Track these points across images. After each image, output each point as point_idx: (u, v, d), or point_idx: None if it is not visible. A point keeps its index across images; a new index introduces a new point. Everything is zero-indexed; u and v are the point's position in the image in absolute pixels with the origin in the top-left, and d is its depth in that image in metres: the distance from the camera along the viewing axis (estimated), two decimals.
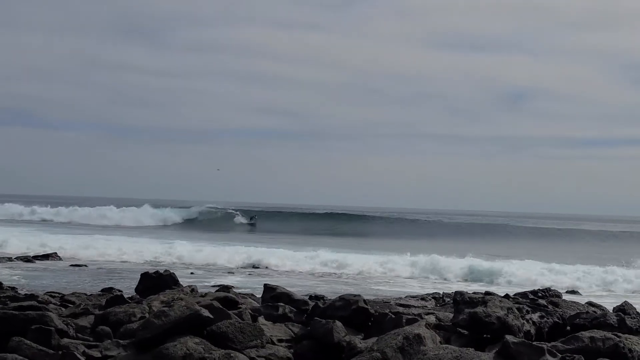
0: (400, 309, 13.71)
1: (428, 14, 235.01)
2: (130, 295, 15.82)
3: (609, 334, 10.59)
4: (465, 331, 11.91)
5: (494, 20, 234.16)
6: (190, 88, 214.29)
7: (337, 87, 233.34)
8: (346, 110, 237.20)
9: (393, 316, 12.34)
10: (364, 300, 12.87)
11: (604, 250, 48.27)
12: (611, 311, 14.80)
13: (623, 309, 14.75)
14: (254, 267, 30.01)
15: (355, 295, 13.03)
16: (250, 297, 15.24)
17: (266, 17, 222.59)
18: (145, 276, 16.65)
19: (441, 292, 18.12)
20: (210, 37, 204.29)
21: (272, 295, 14.11)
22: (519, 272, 28.90)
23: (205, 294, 14.38)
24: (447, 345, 10.55)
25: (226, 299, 12.92)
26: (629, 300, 15.88)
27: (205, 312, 11.33)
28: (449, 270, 29.65)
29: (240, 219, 71.04)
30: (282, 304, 13.35)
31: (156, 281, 16.10)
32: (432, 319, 12.97)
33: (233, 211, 73.42)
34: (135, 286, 16.83)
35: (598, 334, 10.58)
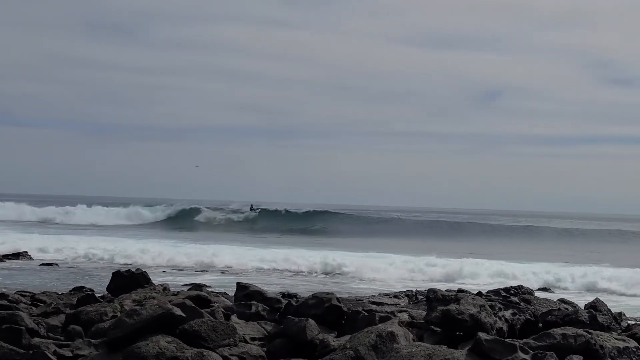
0: (374, 307, 13.70)
1: (401, 11, 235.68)
2: (101, 294, 15.71)
3: (581, 331, 10.65)
4: (438, 329, 11.92)
5: (466, 19, 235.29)
6: (164, 85, 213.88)
7: (311, 84, 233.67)
8: (320, 108, 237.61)
9: (366, 314, 12.33)
10: (337, 298, 12.86)
11: (562, 248, 48.71)
12: (583, 308, 14.90)
13: (594, 306, 14.82)
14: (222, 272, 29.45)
15: (328, 293, 13.01)
16: (223, 296, 15.18)
17: (240, 15, 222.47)
18: (116, 275, 16.52)
19: (414, 290, 18.14)
20: (185, 35, 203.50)
21: (245, 293, 14.05)
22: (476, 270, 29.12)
23: (178, 292, 14.31)
24: (420, 342, 10.56)
25: (198, 298, 12.86)
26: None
27: (178, 311, 11.26)
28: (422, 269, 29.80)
29: (208, 214, 69.81)
30: (255, 302, 13.30)
31: (128, 280, 15.98)
32: (405, 316, 12.98)
33: (207, 209, 72.06)
34: (106, 285, 16.72)
35: (570, 330, 10.63)
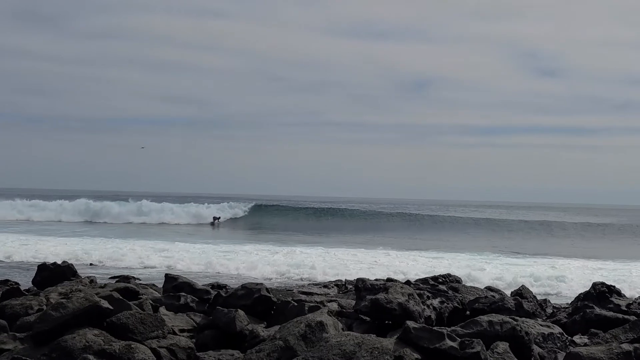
0: (303, 297, 13.74)
1: (331, 1, 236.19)
2: (27, 288, 15.45)
3: (507, 318, 10.78)
4: (367, 318, 12.00)
5: (396, 9, 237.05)
6: (90, 76, 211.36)
7: (240, 74, 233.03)
8: (249, 98, 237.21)
9: (295, 304, 12.36)
10: (267, 289, 12.86)
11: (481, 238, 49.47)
12: (509, 295, 15.14)
13: (520, 293, 15.09)
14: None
15: (257, 284, 13.00)
16: (151, 288, 15.05)
17: (167, 4, 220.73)
18: (42, 268, 16.28)
19: (344, 280, 18.22)
20: (111, 25, 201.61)
21: (174, 285, 13.96)
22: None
23: (105, 285, 14.14)
24: (349, 332, 10.58)
25: (126, 290, 12.72)
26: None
27: (105, 303, 11.11)
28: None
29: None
30: (183, 293, 13.23)
31: (54, 273, 15.76)
32: (334, 306, 13.04)
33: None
34: (32, 278, 16.45)
35: (496, 318, 10.76)
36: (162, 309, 12.27)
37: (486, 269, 26.34)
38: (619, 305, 13.93)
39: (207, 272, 24.84)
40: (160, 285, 15.12)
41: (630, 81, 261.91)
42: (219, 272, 24.96)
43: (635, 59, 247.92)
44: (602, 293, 14.27)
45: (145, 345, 10.51)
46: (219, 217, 64.31)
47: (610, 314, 13.05)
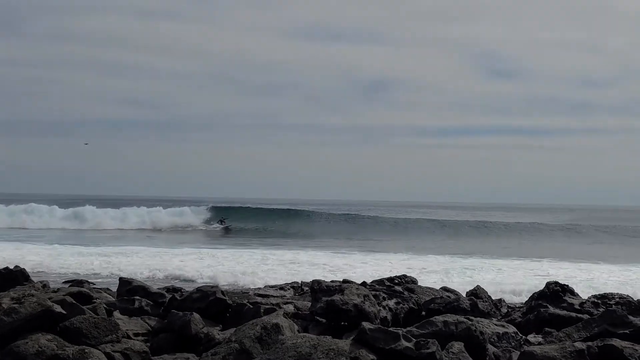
0: (259, 299, 13.69)
1: (286, 4, 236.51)
2: None
3: (462, 318, 10.84)
4: (323, 319, 11.99)
5: (351, 11, 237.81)
6: (44, 79, 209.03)
7: (196, 77, 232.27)
8: (204, 100, 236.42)
9: (251, 306, 12.31)
10: (222, 292, 12.80)
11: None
12: (464, 295, 15.21)
13: (476, 293, 15.18)
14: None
15: (212, 287, 12.94)
16: (105, 292, 14.90)
17: (123, 6, 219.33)
18: None
19: (300, 282, 18.19)
20: (66, 27, 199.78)
21: (128, 289, 13.84)
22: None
23: (58, 289, 13.96)
24: (304, 334, 10.56)
25: (80, 294, 12.59)
26: None
27: (58, 308, 10.99)
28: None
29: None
30: (138, 297, 13.12)
31: (5, 277, 15.52)
32: (290, 308, 13.02)
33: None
34: None
35: (451, 318, 10.82)
36: (117, 313, 12.15)
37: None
38: (572, 305, 14.06)
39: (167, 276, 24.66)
40: (115, 290, 14.97)
41: (585, 82, 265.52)
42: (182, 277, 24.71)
43: (590, 61, 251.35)
44: (555, 292, 14.38)
45: (99, 350, 10.41)
46: (225, 219, 62.99)
47: (563, 313, 13.17)
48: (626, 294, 15.28)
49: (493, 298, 15.54)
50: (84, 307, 11.48)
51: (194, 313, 11.55)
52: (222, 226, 61.07)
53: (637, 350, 10.27)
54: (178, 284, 19.94)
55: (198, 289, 12.93)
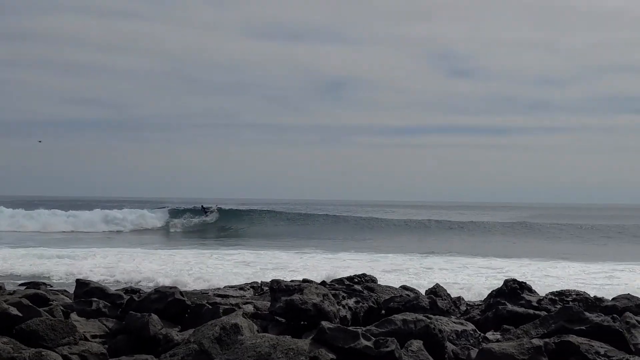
0: (218, 300, 13.63)
1: (246, 2, 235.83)
2: None
3: (421, 316, 10.89)
4: (282, 319, 11.98)
5: (311, 10, 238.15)
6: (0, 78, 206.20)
7: (154, 76, 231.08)
8: (163, 100, 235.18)
9: (210, 307, 12.25)
10: (181, 292, 12.73)
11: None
12: (424, 294, 15.27)
13: (435, 292, 15.24)
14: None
15: (171, 287, 12.87)
16: (62, 294, 14.75)
17: (78, 5, 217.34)
18: None
19: (259, 282, 18.14)
20: (20, 26, 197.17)
21: (85, 290, 13.71)
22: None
23: (14, 291, 13.79)
24: (264, 334, 10.55)
25: (36, 296, 12.44)
26: None
27: (14, 310, 10.87)
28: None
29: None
30: (95, 299, 12.99)
31: None
32: (249, 308, 12.98)
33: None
34: None
35: (410, 316, 10.85)
36: (74, 315, 12.04)
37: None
38: (530, 301, 14.17)
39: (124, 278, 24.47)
40: (72, 291, 14.82)
41: (542, 81, 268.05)
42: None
43: (547, 60, 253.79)
44: (513, 290, 14.48)
45: (57, 352, 10.31)
46: (210, 207, 61.64)
47: (521, 310, 13.27)
48: (583, 290, 15.45)
49: (452, 296, 15.63)
50: (41, 310, 11.36)
51: (152, 314, 11.46)
52: (207, 214, 60.27)
53: (593, 346, 10.39)
54: (136, 286, 19.80)
55: (156, 290, 12.85)
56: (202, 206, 62.96)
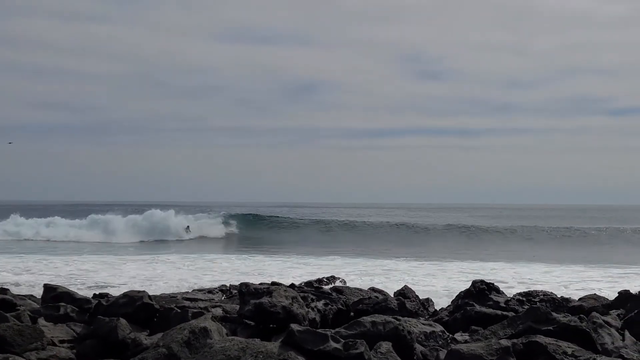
0: (187, 303, 13.62)
1: (215, 6, 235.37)
2: None
3: (390, 318, 10.91)
4: (251, 322, 11.96)
5: (280, 13, 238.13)
6: None
7: (123, 80, 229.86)
8: (132, 103, 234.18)
9: (179, 311, 12.22)
10: (149, 296, 12.68)
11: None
12: (392, 296, 15.34)
13: (403, 293, 15.32)
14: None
15: (139, 292, 12.81)
16: (29, 299, 14.65)
17: (47, 8, 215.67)
18: None
19: (228, 285, 18.12)
20: None
21: (53, 295, 13.62)
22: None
23: None
24: (233, 337, 10.52)
25: (3, 301, 12.36)
26: None
27: None
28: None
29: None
30: (63, 303, 12.91)
31: None
32: (218, 311, 12.97)
33: None
34: None
35: (379, 318, 10.87)
36: (41, 320, 11.95)
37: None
38: (498, 302, 14.28)
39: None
40: (39, 297, 14.72)
41: (510, 83, 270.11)
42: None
43: (514, 62, 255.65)
44: (481, 291, 14.59)
45: (24, 358, 10.25)
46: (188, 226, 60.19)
47: (489, 310, 13.35)
48: (550, 291, 15.59)
49: (421, 298, 15.70)
50: (7, 315, 11.28)
51: (121, 318, 11.40)
52: (188, 233, 59.01)
53: (560, 346, 10.47)
54: (104, 291, 19.68)
55: (125, 294, 12.79)
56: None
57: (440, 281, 24.18)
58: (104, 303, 12.84)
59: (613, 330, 11.41)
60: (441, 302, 16.75)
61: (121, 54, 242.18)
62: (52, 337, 11.25)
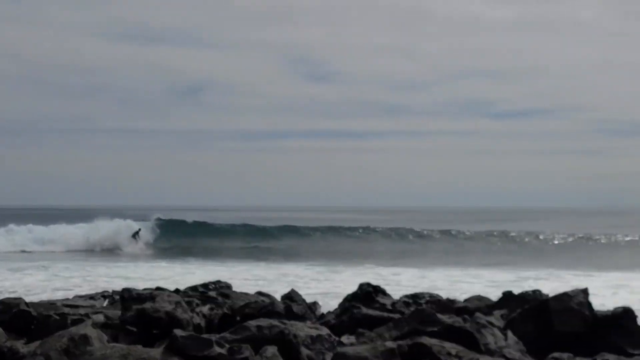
0: (67, 310, 13.22)
1: (105, 5, 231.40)
2: None
3: (275, 322, 10.81)
4: (133, 328, 11.70)
5: (170, 13, 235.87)
6: None
7: (6, 79, 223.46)
8: (14, 103, 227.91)
9: (58, 318, 11.86)
10: (26, 303, 12.28)
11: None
12: (279, 299, 15.24)
13: (290, 297, 15.25)
14: None
15: (16, 298, 12.39)
16: None
17: None
18: None
19: (111, 290, 17.72)
20: None
21: None
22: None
23: None
24: (114, 344, 10.25)
25: None
26: None
27: None
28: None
29: None
30: None
31: None
32: (100, 317, 12.64)
33: None
34: None
35: (265, 322, 10.75)
36: None
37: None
38: (384, 305, 14.34)
39: None
40: None
41: (397, 86, 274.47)
42: None
43: (402, 65, 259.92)
44: (368, 293, 14.63)
45: None
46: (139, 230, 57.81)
47: (376, 313, 13.39)
48: (436, 293, 15.75)
49: (308, 301, 15.66)
50: None
51: None
52: (137, 239, 56.44)
53: (444, 347, 10.54)
54: None
55: (1, 301, 12.35)
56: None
57: (331, 284, 24.19)
58: None
59: (496, 330, 11.58)
60: (333, 304, 16.73)
61: (4, 52, 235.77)
62: None
